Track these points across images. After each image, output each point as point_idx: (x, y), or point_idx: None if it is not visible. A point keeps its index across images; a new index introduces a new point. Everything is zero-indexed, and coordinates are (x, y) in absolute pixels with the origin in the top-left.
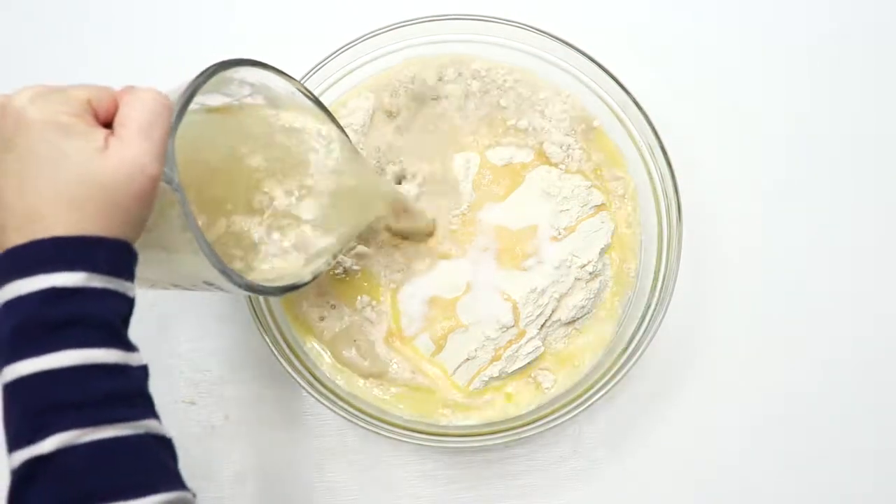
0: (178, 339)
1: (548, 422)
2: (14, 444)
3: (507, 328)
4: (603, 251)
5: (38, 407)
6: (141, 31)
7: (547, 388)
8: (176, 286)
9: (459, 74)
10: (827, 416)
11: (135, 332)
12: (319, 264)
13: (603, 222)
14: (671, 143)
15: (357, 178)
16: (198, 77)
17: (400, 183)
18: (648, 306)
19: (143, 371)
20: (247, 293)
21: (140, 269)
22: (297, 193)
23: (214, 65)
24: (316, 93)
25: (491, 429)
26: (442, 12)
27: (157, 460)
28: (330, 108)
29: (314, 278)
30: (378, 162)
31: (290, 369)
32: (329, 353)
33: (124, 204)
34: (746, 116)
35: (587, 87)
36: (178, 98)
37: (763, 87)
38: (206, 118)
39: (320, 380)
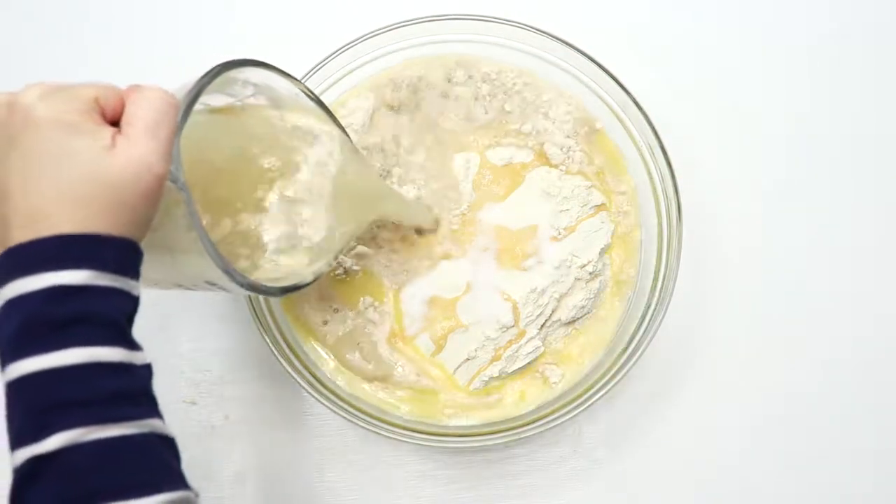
0: (179, 339)
1: (548, 422)
2: (17, 442)
3: (507, 328)
4: (603, 251)
5: (42, 405)
6: (141, 31)
7: (555, 383)
8: (178, 286)
9: (470, 77)
10: (827, 416)
11: (136, 332)
12: (321, 265)
13: (603, 222)
14: (671, 143)
15: (358, 179)
16: (203, 77)
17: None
18: (648, 306)
19: (147, 370)
20: (249, 293)
21: (143, 269)
22: (299, 194)
23: (219, 65)
24: (316, 93)
25: (491, 429)
26: (442, 12)
27: (161, 460)
28: (330, 108)
29: (316, 279)
30: (382, 165)
31: (290, 369)
32: (333, 358)
33: (131, 203)
34: (746, 116)
35: (587, 87)
36: (183, 97)
37: (763, 87)
38: (209, 118)
39: (321, 380)
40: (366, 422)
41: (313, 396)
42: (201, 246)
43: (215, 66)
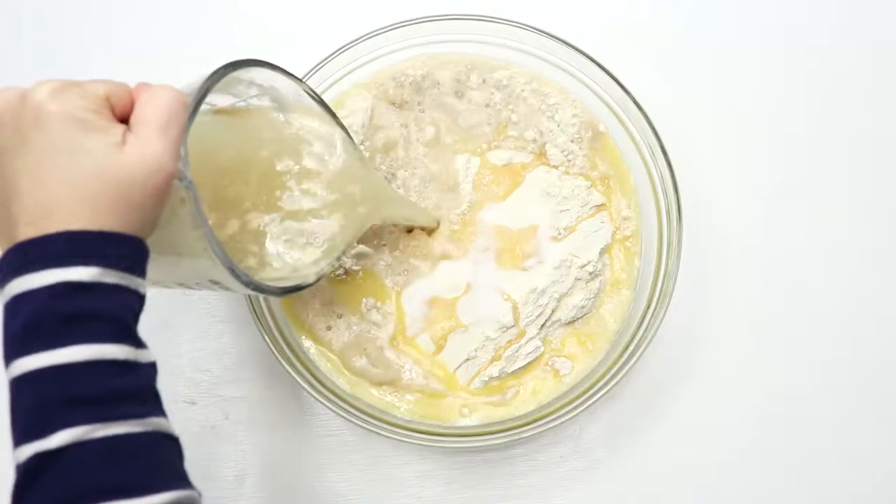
0: (179, 339)
1: (548, 422)
2: (21, 439)
3: (507, 328)
4: (603, 251)
5: (47, 401)
6: (141, 31)
7: (565, 375)
8: (180, 285)
9: (483, 82)
10: (827, 416)
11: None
12: (323, 266)
13: (603, 222)
14: (671, 143)
15: (360, 181)
16: (211, 76)
17: (389, 179)
18: (648, 306)
19: (152, 368)
20: (253, 293)
21: (147, 267)
22: (301, 195)
23: (226, 64)
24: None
25: (491, 429)
26: (441, 12)
27: (165, 459)
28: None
29: (318, 279)
30: (387, 168)
31: (290, 369)
32: (340, 364)
33: (140, 201)
34: (746, 116)
35: (587, 87)
36: (190, 96)
37: (763, 87)
38: (213, 118)
39: (320, 380)
40: (366, 422)
41: (313, 396)
42: (206, 244)
43: (222, 66)
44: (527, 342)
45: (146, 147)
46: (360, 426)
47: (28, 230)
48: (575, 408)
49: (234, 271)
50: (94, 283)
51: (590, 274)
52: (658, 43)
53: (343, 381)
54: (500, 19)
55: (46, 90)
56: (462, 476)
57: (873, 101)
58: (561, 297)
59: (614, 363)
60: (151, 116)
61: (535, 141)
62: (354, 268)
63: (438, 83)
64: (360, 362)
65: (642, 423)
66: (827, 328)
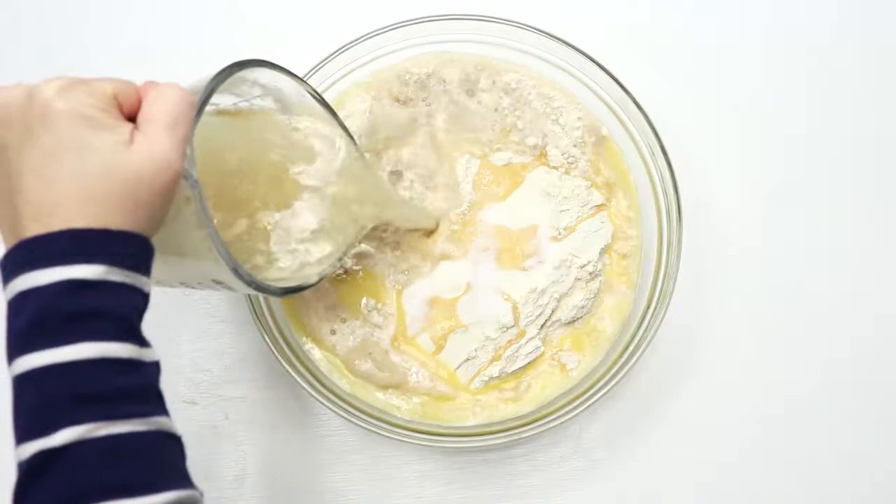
0: (179, 339)
1: (548, 422)
2: (24, 436)
3: (507, 328)
4: (603, 251)
5: (51, 399)
6: (141, 31)
7: (572, 369)
8: (182, 284)
9: (493, 84)
10: (827, 416)
11: None
12: (325, 267)
13: (603, 222)
14: (671, 143)
15: (362, 183)
16: (217, 75)
17: (394, 182)
18: (648, 306)
19: (155, 367)
20: (255, 293)
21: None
22: (304, 196)
23: (232, 64)
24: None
25: (491, 429)
26: (442, 12)
27: (168, 458)
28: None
29: (320, 280)
30: (392, 168)
31: (290, 369)
32: (344, 368)
33: (146, 199)
34: (746, 116)
35: (587, 87)
36: (196, 95)
37: (763, 87)
38: (216, 119)
39: (320, 380)
40: (366, 422)
41: (313, 396)
42: (211, 244)
43: (228, 66)
44: (527, 342)
45: (154, 146)
46: (361, 426)
47: (34, 227)
48: (575, 408)
49: (237, 271)
50: (99, 281)
51: (590, 274)
52: (658, 43)
53: (349, 385)
54: (500, 19)
55: (54, 87)
56: (462, 476)
57: (873, 101)
58: (561, 297)
59: (614, 363)
60: (159, 115)
61: (535, 147)
62: (355, 267)
63: (445, 81)
64: (366, 366)
65: (642, 423)
66: (827, 328)
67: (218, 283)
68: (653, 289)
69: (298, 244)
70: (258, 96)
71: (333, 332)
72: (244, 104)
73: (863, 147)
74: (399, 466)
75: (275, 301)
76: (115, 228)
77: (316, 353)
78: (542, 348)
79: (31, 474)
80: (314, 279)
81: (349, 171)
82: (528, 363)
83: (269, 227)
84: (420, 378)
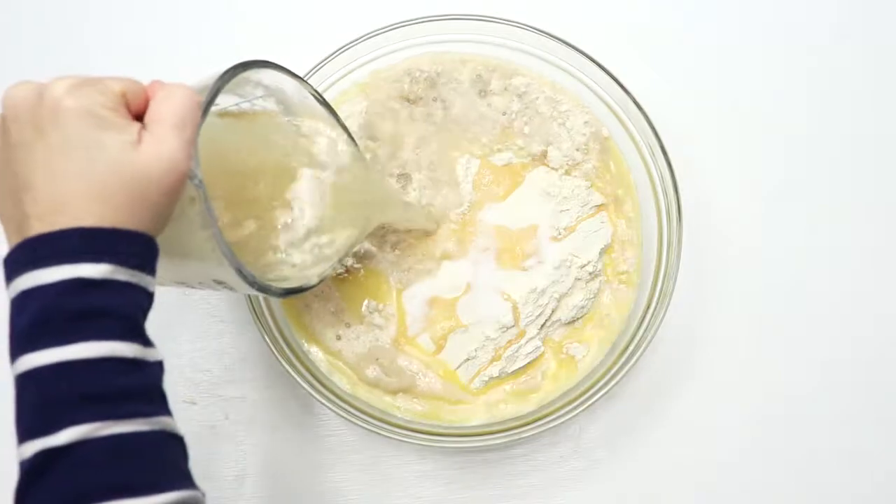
0: (179, 339)
1: (548, 422)
2: (27, 435)
3: (507, 328)
4: (603, 251)
5: (55, 398)
6: (141, 31)
7: (580, 360)
8: (182, 284)
9: (506, 89)
10: (827, 416)
11: None
12: (326, 268)
13: (603, 222)
14: (671, 143)
15: (363, 184)
16: (223, 75)
17: (403, 184)
18: (648, 306)
19: (159, 367)
20: (257, 293)
21: None
22: (306, 197)
23: (236, 65)
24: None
25: (491, 429)
26: (442, 12)
27: (170, 458)
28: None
29: (321, 281)
30: (400, 171)
31: (290, 369)
32: (353, 375)
33: (153, 199)
34: (746, 116)
35: (587, 86)
36: (201, 95)
37: (763, 87)
38: (219, 120)
39: (320, 380)
40: (366, 422)
41: (313, 396)
42: (214, 244)
43: (233, 66)
44: (527, 342)
45: (162, 146)
46: (360, 426)
47: (39, 225)
48: (575, 408)
49: (240, 272)
50: (105, 280)
51: (590, 274)
52: (658, 43)
53: (343, 381)
54: (500, 19)
55: (64, 86)
56: (462, 476)
57: (873, 101)
58: (561, 297)
59: (614, 363)
60: (167, 115)
61: (538, 152)
62: (356, 266)
63: (457, 80)
64: (374, 372)
65: (642, 423)
66: (827, 328)
67: (219, 283)
68: (653, 289)
69: (300, 245)
70: (260, 97)
71: (339, 338)
72: (246, 105)
73: (863, 147)
74: (399, 466)
75: (275, 301)
76: (122, 227)
77: (319, 356)
78: (542, 348)
79: (34, 473)
80: (314, 280)
81: (350, 172)
82: (523, 366)
83: (278, 228)
84: (429, 381)
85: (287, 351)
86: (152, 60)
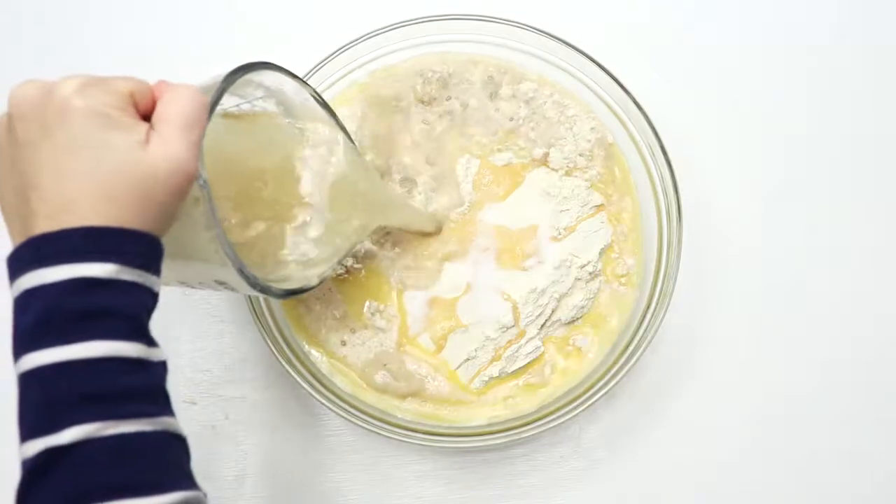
0: (180, 340)
1: (548, 422)
2: (30, 434)
3: (507, 328)
4: (603, 251)
5: (59, 397)
6: (141, 31)
7: (588, 351)
8: (183, 284)
9: (514, 96)
10: (827, 416)
11: None
12: (326, 269)
13: (602, 222)
14: (671, 143)
15: (363, 185)
16: (227, 77)
17: (408, 189)
18: (648, 306)
19: (162, 367)
20: (258, 294)
21: None
22: (307, 199)
23: (241, 66)
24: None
25: (491, 429)
26: (442, 12)
27: (173, 458)
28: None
29: (321, 282)
30: (403, 175)
31: (290, 370)
32: (361, 381)
33: (159, 199)
34: (746, 116)
35: (587, 86)
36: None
37: (763, 87)
38: (221, 121)
39: (320, 380)
40: (366, 422)
41: (313, 396)
42: (218, 245)
43: (237, 68)
44: (527, 342)
45: (169, 147)
46: (360, 426)
47: (46, 224)
48: (575, 408)
49: (243, 272)
50: (110, 279)
51: (590, 274)
52: (658, 43)
53: (343, 381)
54: (500, 19)
55: (73, 86)
56: (462, 476)
57: (873, 101)
58: (561, 297)
59: (614, 363)
60: (174, 115)
61: (541, 155)
62: (356, 266)
63: (469, 81)
64: (384, 377)
65: (642, 423)
66: (827, 328)
67: (220, 283)
68: (653, 289)
69: (302, 246)
70: (260, 98)
71: (344, 343)
72: (246, 105)
73: (863, 147)
74: (399, 466)
75: (275, 301)
76: (128, 227)
77: (323, 360)
78: (542, 348)
79: (36, 472)
80: (315, 281)
81: (350, 173)
82: (523, 366)
83: (281, 229)
84: (438, 384)
85: (287, 351)
86: (152, 60)
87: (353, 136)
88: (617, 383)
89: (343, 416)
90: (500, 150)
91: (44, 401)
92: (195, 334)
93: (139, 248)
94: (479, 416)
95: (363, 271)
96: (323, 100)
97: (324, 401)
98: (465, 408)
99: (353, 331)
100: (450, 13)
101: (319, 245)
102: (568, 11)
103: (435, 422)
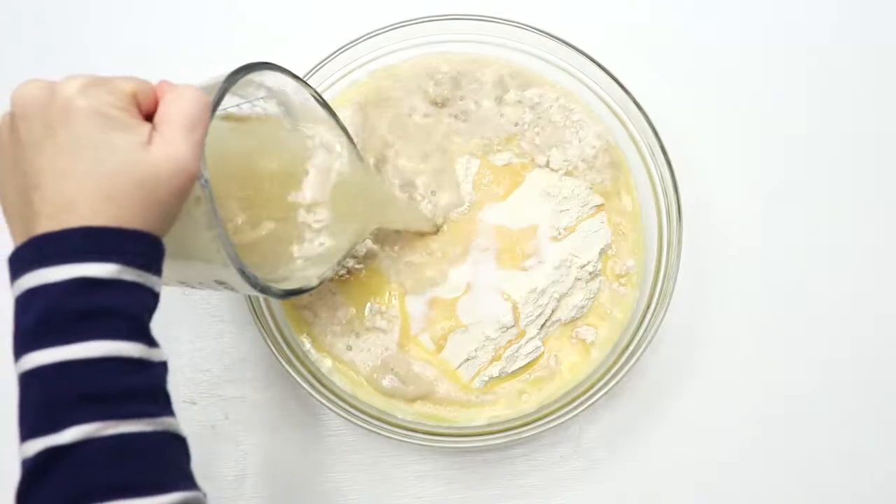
0: (179, 340)
1: (548, 422)
2: (30, 433)
3: (507, 328)
4: (603, 251)
5: (60, 397)
6: (141, 31)
7: (592, 343)
8: (183, 284)
9: (519, 102)
10: (827, 416)
11: None
12: (326, 270)
13: (602, 222)
14: (671, 143)
15: (363, 186)
16: (229, 78)
17: (409, 193)
18: (648, 306)
19: (163, 367)
20: (258, 294)
21: None
22: (308, 200)
23: (242, 67)
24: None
25: (491, 429)
26: (442, 12)
27: (174, 459)
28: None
29: (321, 283)
30: (401, 182)
31: (290, 369)
32: (369, 386)
33: (161, 200)
34: (746, 116)
35: (587, 86)
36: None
37: (763, 87)
38: (222, 121)
39: (320, 380)
40: (366, 422)
41: (313, 396)
42: (219, 245)
43: (239, 68)
44: (527, 342)
45: (171, 147)
46: (360, 426)
47: (48, 224)
48: (575, 408)
49: (243, 273)
50: (112, 279)
51: (590, 274)
52: (658, 43)
53: (343, 381)
54: (500, 19)
55: (76, 86)
56: (462, 476)
57: (873, 101)
58: (561, 297)
59: (614, 363)
60: (177, 116)
61: (541, 161)
62: (357, 266)
63: (480, 81)
64: (392, 382)
65: (642, 423)
66: (827, 328)
67: (221, 283)
68: (653, 289)
69: (302, 246)
70: (261, 98)
71: (349, 348)
72: (246, 106)
73: (863, 147)
74: (399, 466)
75: (275, 301)
76: (130, 227)
77: (328, 365)
78: (542, 348)
79: (37, 472)
80: (315, 282)
81: (351, 174)
82: (523, 366)
83: (284, 229)
84: (446, 387)
85: (287, 351)
86: (152, 60)
87: (353, 137)
88: (617, 383)
89: (343, 416)
90: (499, 150)
91: (44, 400)
92: (195, 334)
93: (140, 248)
94: (479, 416)
95: (364, 271)
96: (324, 100)
97: (324, 401)
98: (466, 408)
99: (357, 335)
100: (450, 13)
101: (320, 244)
102: (568, 11)
103: (435, 422)
